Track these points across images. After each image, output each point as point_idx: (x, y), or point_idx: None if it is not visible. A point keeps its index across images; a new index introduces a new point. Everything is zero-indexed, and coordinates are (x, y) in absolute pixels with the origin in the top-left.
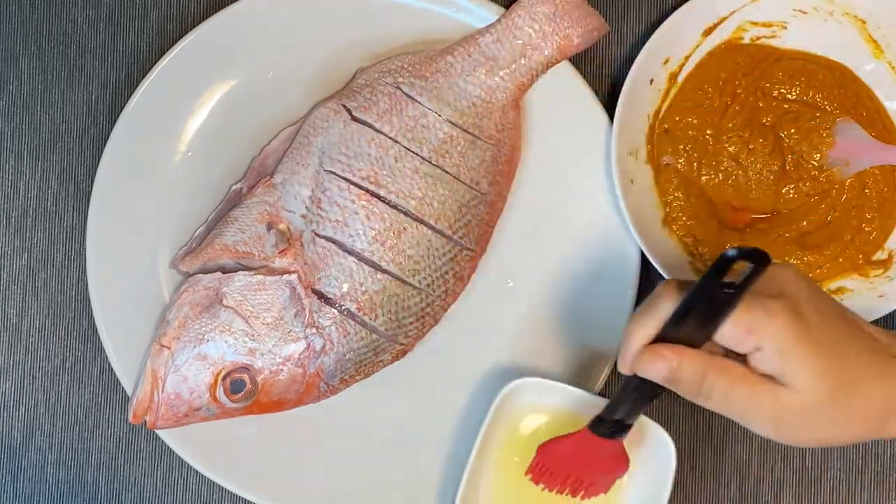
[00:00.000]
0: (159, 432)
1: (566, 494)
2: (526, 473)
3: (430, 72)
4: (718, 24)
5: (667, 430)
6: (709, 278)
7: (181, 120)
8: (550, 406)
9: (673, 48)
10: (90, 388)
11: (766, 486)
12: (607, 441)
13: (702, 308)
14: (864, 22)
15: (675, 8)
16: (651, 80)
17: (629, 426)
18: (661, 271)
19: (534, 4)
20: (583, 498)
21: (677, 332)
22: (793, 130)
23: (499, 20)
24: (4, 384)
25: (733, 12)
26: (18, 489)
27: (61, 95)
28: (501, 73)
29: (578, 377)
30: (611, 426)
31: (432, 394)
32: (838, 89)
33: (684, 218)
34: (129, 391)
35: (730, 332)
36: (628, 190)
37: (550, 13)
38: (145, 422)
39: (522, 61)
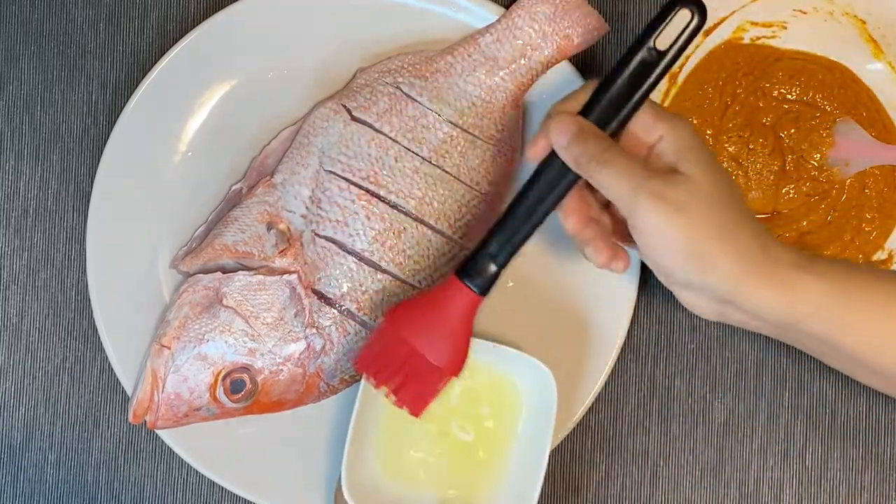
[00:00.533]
0: (159, 432)
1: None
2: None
3: (430, 72)
4: (718, 24)
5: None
6: (647, 34)
7: (181, 120)
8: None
9: None
10: (90, 388)
11: (766, 486)
12: (466, 297)
13: (632, 75)
14: (864, 22)
15: None
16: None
17: (495, 277)
18: None
19: (534, 4)
20: (398, 394)
21: (597, 113)
22: (793, 130)
23: (499, 20)
24: (4, 384)
25: (733, 12)
26: (18, 489)
27: (61, 95)
28: (501, 73)
29: (577, 376)
30: (482, 268)
31: None
32: (838, 89)
33: None
34: (129, 391)
35: (641, 118)
36: None
37: (550, 13)
38: (145, 422)
39: (522, 61)
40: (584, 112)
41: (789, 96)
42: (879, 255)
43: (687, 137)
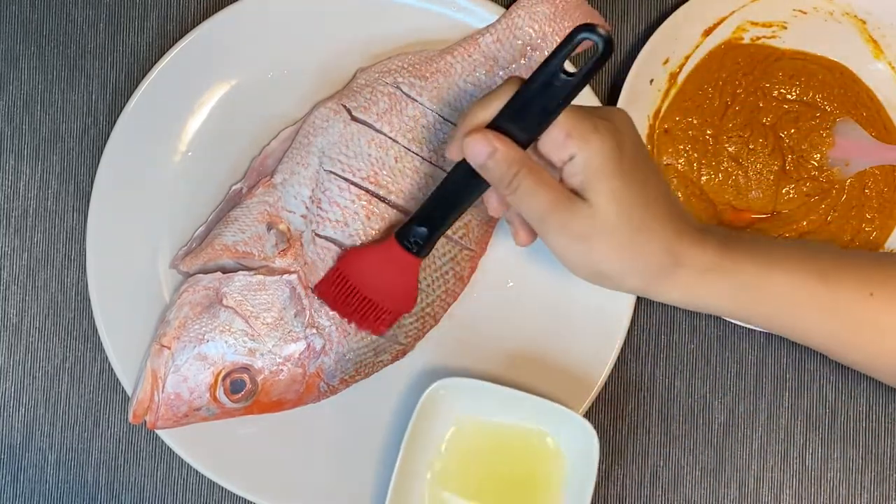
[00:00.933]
0: (159, 432)
1: (347, 321)
2: (315, 286)
3: (430, 72)
4: (718, 24)
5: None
6: (553, 57)
7: (181, 120)
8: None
9: (673, 48)
10: (90, 388)
11: (766, 486)
12: (406, 259)
13: (540, 94)
14: (864, 22)
15: (675, 8)
16: (651, 80)
17: (431, 241)
18: None
19: (534, 4)
20: (361, 328)
21: (511, 123)
22: (793, 130)
23: (499, 20)
24: (4, 384)
25: (733, 12)
26: (18, 489)
27: (61, 95)
28: (501, 73)
29: (578, 376)
30: (416, 235)
31: None
32: (838, 89)
33: None
34: (129, 391)
35: (553, 134)
36: None
37: (550, 13)
38: (145, 422)
39: (522, 61)
40: (498, 119)
41: (789, 96)
42: None
43: (595, 159)
